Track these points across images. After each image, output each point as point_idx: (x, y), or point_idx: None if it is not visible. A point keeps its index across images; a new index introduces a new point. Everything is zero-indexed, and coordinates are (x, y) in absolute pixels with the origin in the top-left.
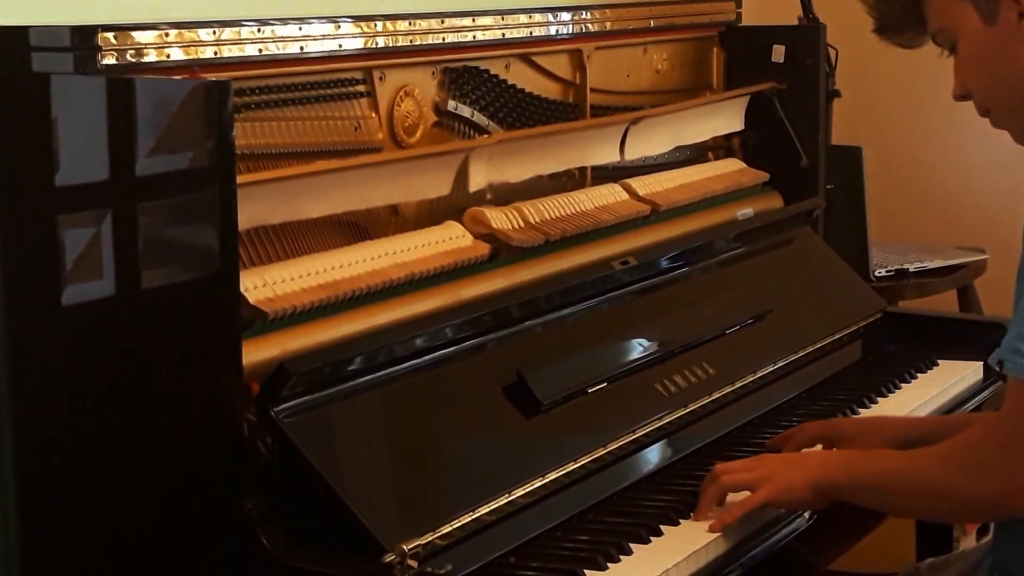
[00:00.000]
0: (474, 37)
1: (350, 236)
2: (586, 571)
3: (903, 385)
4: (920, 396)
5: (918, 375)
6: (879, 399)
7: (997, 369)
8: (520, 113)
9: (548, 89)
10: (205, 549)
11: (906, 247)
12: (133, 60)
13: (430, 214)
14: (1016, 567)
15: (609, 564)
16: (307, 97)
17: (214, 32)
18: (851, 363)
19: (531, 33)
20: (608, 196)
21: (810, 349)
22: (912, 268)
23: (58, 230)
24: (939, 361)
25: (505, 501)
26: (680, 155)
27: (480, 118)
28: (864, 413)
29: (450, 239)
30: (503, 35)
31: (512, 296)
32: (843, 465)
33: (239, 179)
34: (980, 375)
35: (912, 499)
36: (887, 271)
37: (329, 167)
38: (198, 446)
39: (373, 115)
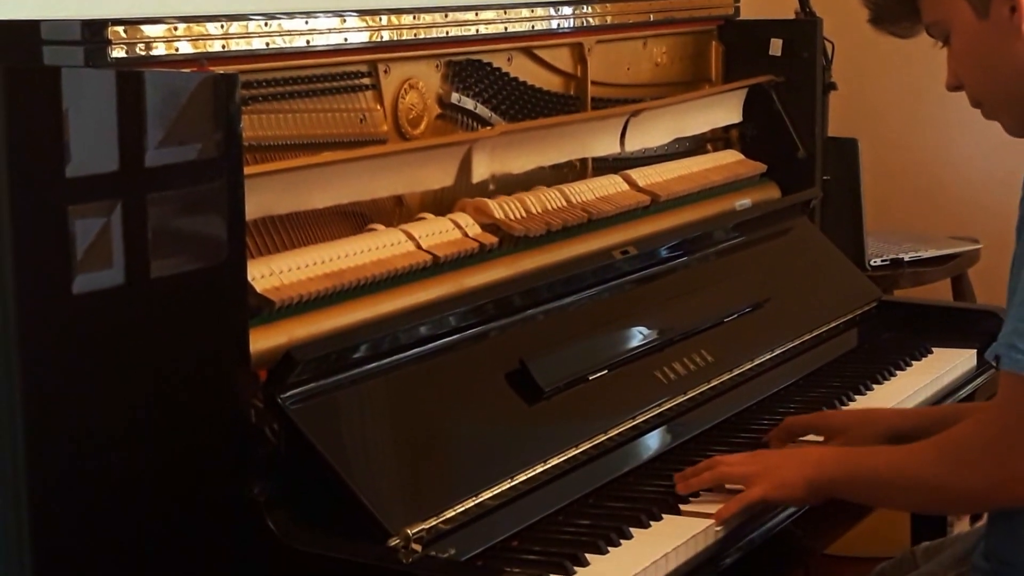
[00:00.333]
0: (477, 31)
1: (355, 226)
2: (587, 555)
3: (898, 373)
4: (915, 383)
5: (913, 363)
6: (874, 386)
7: (994, 365)
8: (522, 105)
9: (550, 82)
10: (213, 533)
11: (901, 237)
12: (142, 53)
13: (434, 204)
14: (1009, 553)
15: (609, 548)
16: (313, 90)
17: (222, 26)
18: (847, 351)
19: (533, 27)
20: (609, 187)
21: (807, 337)
22: (907, 258)
23: (69, 220)
24: (933, 349)
25: (508, 486)
26: (679, 146)
27: (483, 110)
28: (860, 400)
29: (453, 229)
30: (505, 29)
31: (514, 285)
32: (838, 462)
33: (246, 170)
34: (974, 363)
35: (906, 494)
36: (882, 260)
37: (335, 158)
38: (206, 432)
39: (378, 107)
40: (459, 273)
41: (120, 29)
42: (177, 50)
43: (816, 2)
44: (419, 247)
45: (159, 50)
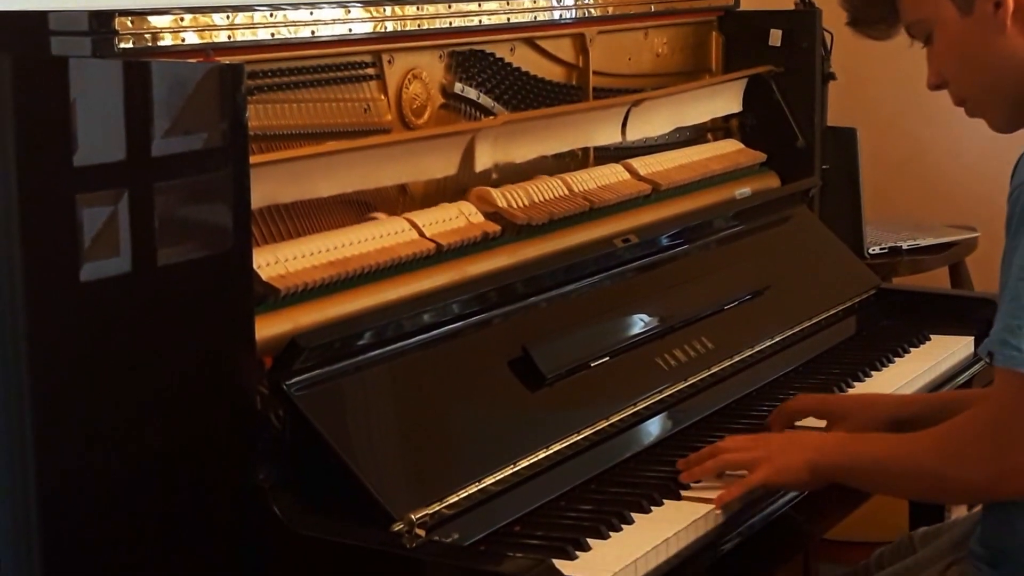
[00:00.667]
0: (480, 21)
1: (360, 215)
2: (589, 540)
3: (896, 359)
4: (913, 370)
5: (911, 349)
6: (873, 373)
7: (988, 361)
8: (525, 95)
9: (552, 72)
10: (218, 518)
11: (899, 225)
12: (149, 44)
13: (438, 193)
14: (1003, 541)
15: (611, 533)
16: (318, 80)
17: (228, 17)
18: (846, 338)
19: (535, 18)
20: (610, 176)
21: (806, 324)
22: (905, 246)
23: (76, 209)
24: (931, 336)
25: (510, 472)
26: (680, 136)
27: (486, 100)
28: (858, 386)
29: (457, 217)
30: (508, 20)
31: (517, 273)
32: (840, 448)
33: (252, 159)
34: (971, 349)
35: (906, 482)
36: (881, 249)
37: (339, 148)
38: (212, 418)
39: (382, 97)
40: (462, 261)
41: (127, 20)
42: (183, 41)
43: None
44: (422, 235)
45: (166, 41)
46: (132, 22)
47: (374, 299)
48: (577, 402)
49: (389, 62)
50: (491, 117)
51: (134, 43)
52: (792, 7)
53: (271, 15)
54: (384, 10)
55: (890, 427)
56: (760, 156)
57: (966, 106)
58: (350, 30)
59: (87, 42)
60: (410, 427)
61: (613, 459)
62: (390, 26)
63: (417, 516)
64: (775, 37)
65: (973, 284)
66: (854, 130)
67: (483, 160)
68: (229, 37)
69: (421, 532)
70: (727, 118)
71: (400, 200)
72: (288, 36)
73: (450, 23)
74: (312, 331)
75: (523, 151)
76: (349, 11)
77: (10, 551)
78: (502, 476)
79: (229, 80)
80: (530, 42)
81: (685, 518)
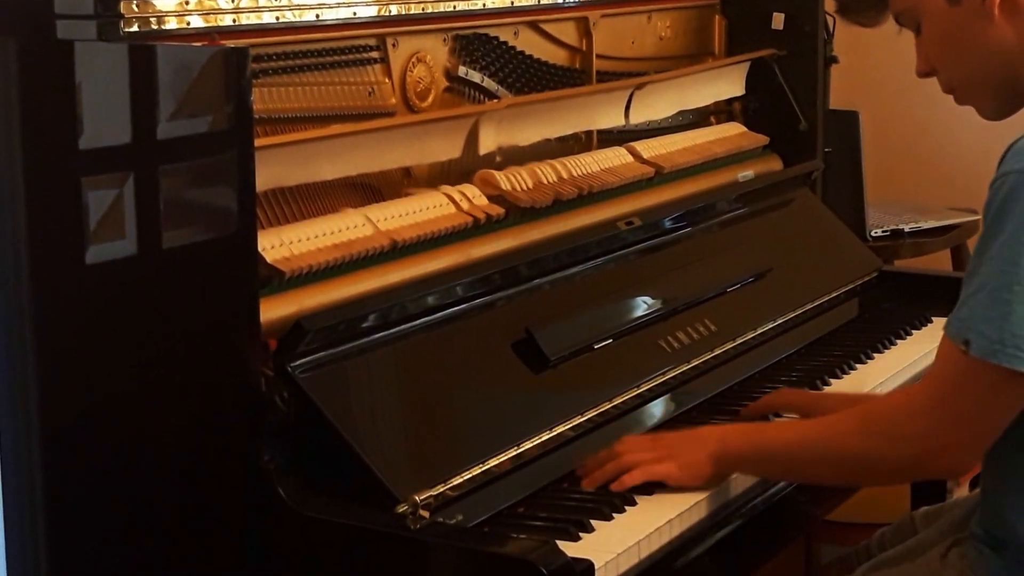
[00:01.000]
0: (484, 5)
1: (364, 197)
2: (592, 521)
3: (898, 342)
4: (914, 352)
5: (913, 332)
6: (875, 355)
7: (963, 350)
8: (528, 79)
9: (555, 55)
10: (223, 500)
11: (901, 208)
12: (154, 27)
13: (442, 176)
14: (997, 529)
15: (615, 515)
16: (322, 63)
17: (232, 0)
18: (848, 320)
19: (539, 1)
20: (613, 159)
21: (808, 307)
22: (907, 228)
23: (82, 192)
24: (933, 318)
25: (514, 453)
26: (683, 119)
27: (490, 83)
28: (860, 369)
29: (462, 200)
30: (512, 3)
31: (521, 255)
32: (744, 437)
33: (257, 142)
34: None
35: (824, 467)
36: (883, 231)
37: (344, 131)
38: (217, 400)
39: (386, 80)
40: (466, 244)
41: (132, 3)
42: (189, 24)
43: None
44: (427, 218)
45: (171, 24)
46: (137, 6)
47: (378, 282)
48: (580, 384)
49: (393, 45)
50: (495, 100)
51: (139, 27)
52: None
53: None
54: None
55: None
56: (763, 139)
57: (955, 94)
58: (354, 14)
59: (92, 26)
60: (414, 409)
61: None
62: (394, 10)
63: (421, 498)
64: (778, 20)
65: None
66: (856, 113)
67: (487, 143)
68: (234, 20)
69: (425, 514)
70: (730, 101)
71: (405, 183)
72: (293, 19)
73: (454, 7)
74: (317, 313)
75: (527, 134)
76: None
77: (17, 526)
78: (506, 458)
79: (234, 63)
80: (534, 25)
81: (688, 500)
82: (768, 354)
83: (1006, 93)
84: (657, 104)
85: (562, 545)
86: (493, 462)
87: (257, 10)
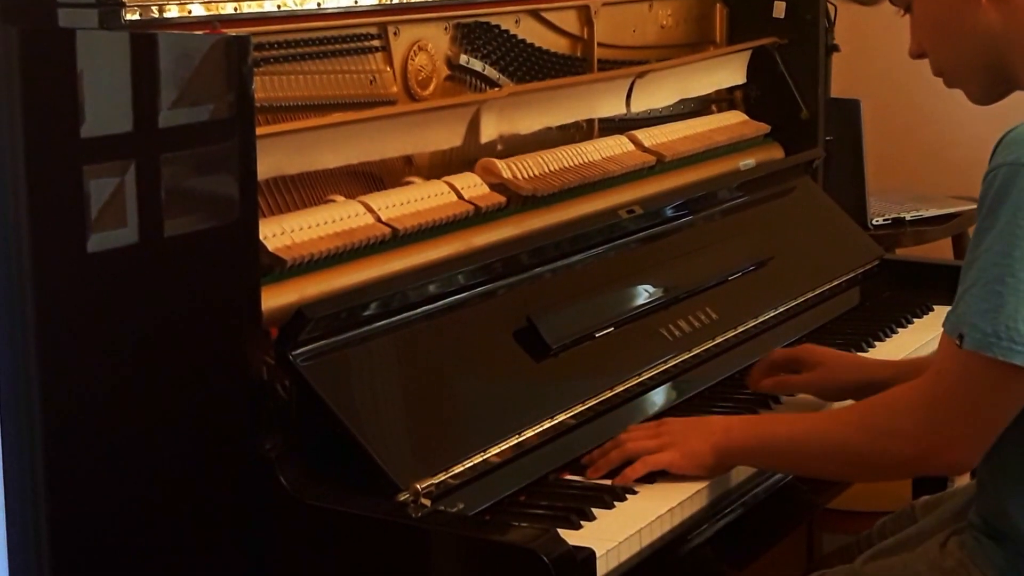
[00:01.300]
0: None
1: (365, 186)
2: (593, 509)
3: (899, 330)
4: (915, 341)
5: (914, 320)
6: (876, 343)
7: (958, 344)
8: (530, 67)
9: (557, 44)
10: (225, 488)
11: (903, 196)
12: (156, 16)
13: (443, 164)
14: (994, 519)
15: (616, 503)
16: (324, 52)
17: None
18: (849, 308)
19: None
20: (615, 147)
21: (809, 295)
22: (908, 217)
23: (84, 180)
24: (934, 307)
25: (515, 442)
26: (684, 108)
27: (491, 72)
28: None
29: (463, 188)
30: None
31: (522, 244)
32: (748, 428)
33: (258, 131)
34: None
35: (825, 462)
36: (884, 220)
37: (345, 119)
38: (219, 389)
39: (388, 69)
40: (467, 232)
41: None
42: (190, 12)
43: None
44: (429, 207)
45: (172, 12)
46: None
47: (380, 270)
48: (582, 373)
49: (395, 34)
50: (496, 89)
51: (141, 15)
52: None
53: None
54: None
55: (861, 384)
56: (764, 127)
57: (944, 77)
58: (356, 2)
59: (94, 14)
60: (415, 397)
61: (618, 429)
62: None
63: (422, 486)
64: (779, 9)
65: None
66: (858, 101)
67: (488, 131)
68: (235, 9)
69: (426, 502)
70: (731, 90)
71: (406, 172)
72: (294, 8)
73: None
74: (318, 302)
75: (528, 123)
76: None
77: (19, 514)
78: (507, 446)
79: (235, 52)
80: (535, 14)
81: (689, 488)
82: (769, 342)
83: (992, 77)
84: (658, 92)
85: (563, 533)
86: (495, 450)
87: None
